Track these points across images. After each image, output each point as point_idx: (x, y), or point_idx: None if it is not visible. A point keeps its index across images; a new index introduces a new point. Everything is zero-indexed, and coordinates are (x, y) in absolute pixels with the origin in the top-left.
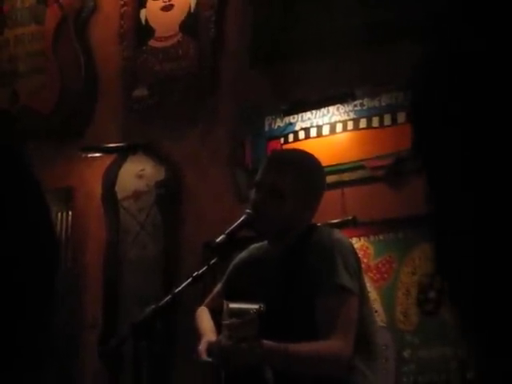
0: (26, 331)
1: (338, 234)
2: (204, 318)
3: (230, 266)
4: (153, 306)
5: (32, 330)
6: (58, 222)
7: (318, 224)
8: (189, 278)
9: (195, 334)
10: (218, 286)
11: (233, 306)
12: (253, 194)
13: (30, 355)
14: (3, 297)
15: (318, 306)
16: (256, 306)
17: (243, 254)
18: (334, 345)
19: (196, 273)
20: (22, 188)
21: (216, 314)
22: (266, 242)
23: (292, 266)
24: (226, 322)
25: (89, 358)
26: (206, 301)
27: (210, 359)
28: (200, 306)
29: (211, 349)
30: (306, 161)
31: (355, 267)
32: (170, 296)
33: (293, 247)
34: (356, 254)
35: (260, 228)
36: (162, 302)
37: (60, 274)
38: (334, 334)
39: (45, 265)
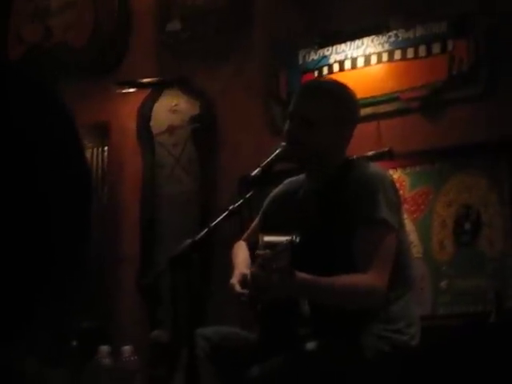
0: (62, 265)
1: (378, 167)
2: (240, 252)
3: (267, 200)
4: (189, 240)
5: (68, 264)
6: (94, 158)
7: (355, 157)
8: (225, 212)
9: (231, 268)
10: (256, 220)
11: (267, 238)
12: (287, 124)
13: (67, 289)
14: (38, 230)
15: (357, 239)
16: (289, 237)
17: (279, 188)
18: (369, 278)
19: (232, 206)
20: (55, 123)
21: (254, 248)
22: (302, 176)
23: (331, 198)
24: (260, 252)
25: (127, 291)
26: (244, 235)
27: (242, 291)
28: (238, 239)
29: (244, 280)
30: (339, 90)
31: (395, 201)
32: (206, 229)
33: (332, 180)
34: (396, 187)
35: (295, 157)
36: (199, 235)
37: (95, 208)
38: (370, 268)
39: (78, 198)
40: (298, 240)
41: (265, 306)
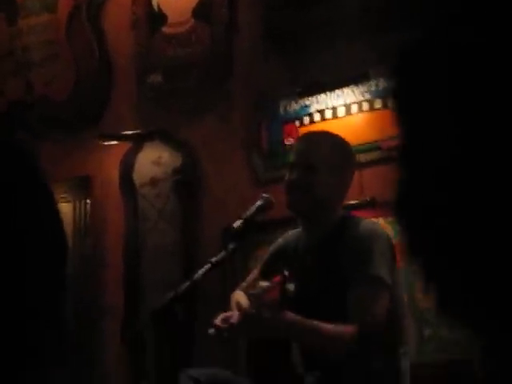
0: (39, 327)
1: (375, 224)
2: (236, 297)
3: (268, 252)
4: (172, 292)
5: (45, 325)
6: (77, 210)
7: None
8: (207, 264)
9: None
10: (254, 272)
11: (262, 283)
12: (287, 175)
13: (44, 350)
14: (13, 293)
15: (352, 294)
16: (292, 285)
17: (280, 241)
18: (357, 329)
19: (214, 258)
20: (27, 186)
21: None
22: (299, 230)
23: (328, 254)
24: (252, 291)
25: (110, 343)
26: (242, 285)
27: (219, 323)
28: (233, 290)
29: (225, 318)
30: (336, 138)
31: (390, 258)
32: (189, 282)
33: (329, 237)
34: (392, 244)
35: (296, 207)
36: (182, 288)
37: (70, 264)
38: (361, 320)
39: (52, 258)
40: (287, 275)
41: (256, 347)
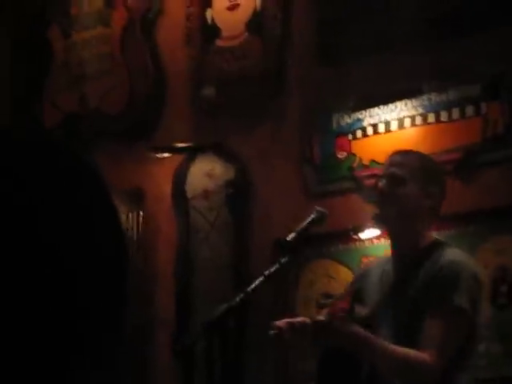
0: (98, 337)
1: (463, 254)
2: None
3: (357, 276)
4: (225, 305)
5: (104, 336)
6: (129, 223)
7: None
8: (260, 277)
9: None
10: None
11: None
12: (378, 184)
13: (101, 361)
14: (73, 308)
15: (428, 323)
16: (366, 310)
17: (362, 272)
18: (425, 356)
19: (267, 271)
20: (90, 193)
21: None
22: (388, 257)
23: (414, 279)
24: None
25: (162, 355)
26: None
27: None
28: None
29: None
30: (427, 157)
31: (476, 289)
32: (242, 294)
33: (415, 266)
34: (479, 277)
35: (382, 218)
36: (234, 300)
37: (131, 277)
38: (431, 347)
39: (114, 272)
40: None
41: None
